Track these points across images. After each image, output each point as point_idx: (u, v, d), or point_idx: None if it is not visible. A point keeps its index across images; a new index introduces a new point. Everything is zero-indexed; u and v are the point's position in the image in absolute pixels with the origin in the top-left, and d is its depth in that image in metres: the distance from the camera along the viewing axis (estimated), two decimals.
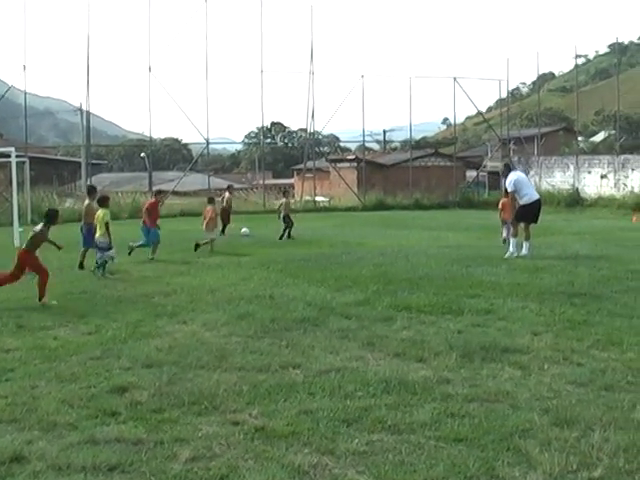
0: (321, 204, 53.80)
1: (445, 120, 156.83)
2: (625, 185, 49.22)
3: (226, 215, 31.07)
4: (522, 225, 21.35)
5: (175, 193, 54.52)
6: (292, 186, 69.92)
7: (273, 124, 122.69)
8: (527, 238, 21.24)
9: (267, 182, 62.57)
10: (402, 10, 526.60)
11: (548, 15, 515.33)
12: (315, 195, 55.08)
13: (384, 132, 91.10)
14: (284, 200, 30.24)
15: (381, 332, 11.32)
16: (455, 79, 58.53)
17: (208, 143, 52.32)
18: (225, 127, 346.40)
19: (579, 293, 14.81)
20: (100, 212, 19.21)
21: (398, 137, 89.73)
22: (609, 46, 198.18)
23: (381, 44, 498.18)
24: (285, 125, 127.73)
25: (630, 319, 12.30)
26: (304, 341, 10.76)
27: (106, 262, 18.68)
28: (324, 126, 62.30)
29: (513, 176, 21.70)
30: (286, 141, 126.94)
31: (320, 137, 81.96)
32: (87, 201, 20.82)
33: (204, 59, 50.41)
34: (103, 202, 19.65)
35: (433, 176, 58.80)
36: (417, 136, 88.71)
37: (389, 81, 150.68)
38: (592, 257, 20.72)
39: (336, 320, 12.22)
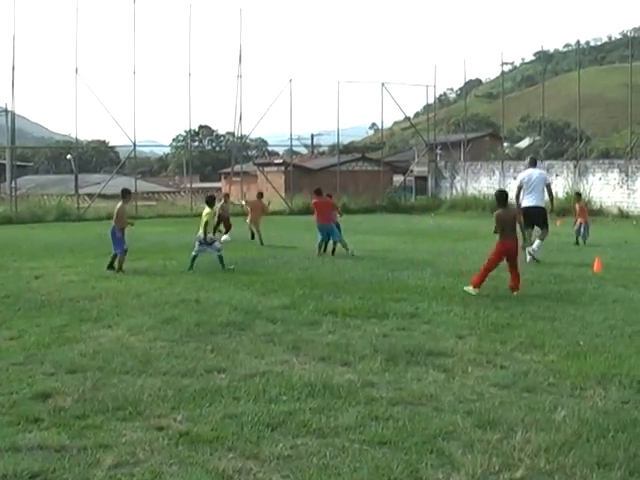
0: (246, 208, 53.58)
1: (373, 125, 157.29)
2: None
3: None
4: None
5: (102, 196, 53.95)
6: (219, 190, 69.65)
7: (201, 127, 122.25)
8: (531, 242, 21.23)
9: (194, 186, 62.41)
10: (331, 14, 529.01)
11: (475, 22, 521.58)
12: (242, 199, 54.92)
13: (312, 136, 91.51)
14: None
15: (306, 336, 11.35)
16: (383, 84, 58.86)
17: (135, 146, 51.90)
18: (153, 130, 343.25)
19: (503, 296, 15.03)
20: (206, 211, 20.42)
21: (326, 141, 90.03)
22: (535, 54, 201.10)
23: (310, 48, 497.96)
24: (213, 128, 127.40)
25: (552, 322, 12.52)
26: (229, 345, 10.74)
27: (221, 255, 19.70)
28: (252, 130, 62.07)
29: (524, 173, 22.13)
30: (214, 144, 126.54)
31: (248, 141, 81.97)
32: (120, 204, 20.45)
33: (132, 61, 49.98)
34: (211, 201, 20.92)
35: (360, 180, 59.11)
36: (345, 140, 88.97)
37: (317, 85, 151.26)
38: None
39: (262, 324, 12.22)
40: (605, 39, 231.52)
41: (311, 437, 7.00)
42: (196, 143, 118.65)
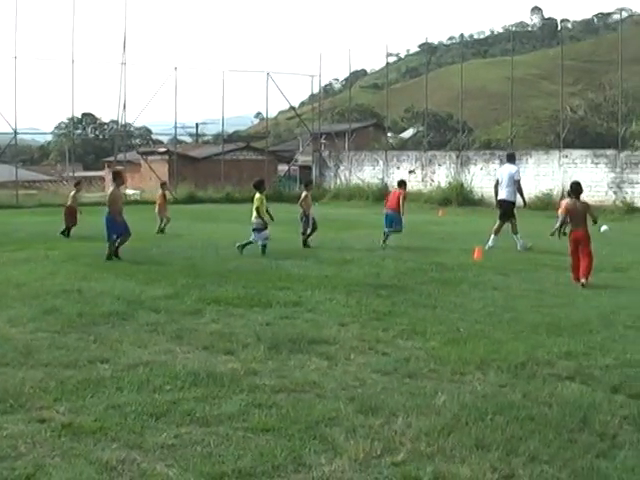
0: (132, 197, 52.99)
1: (258, 114, 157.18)
2: (432, 180, 50.54)
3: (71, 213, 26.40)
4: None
5: None
6: (102, 178, 68.77)
7: (84, 115, 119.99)
8: (495, 232, 22.52)
9: (77, 174, 61.15)
10: (216, 2, 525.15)
11: (360, 13, 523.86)
12: (126, 188, 54.29)
13: (197, 125, 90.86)
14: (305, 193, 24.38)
15: (190, 325, 11.35)
16: (268, 74, 58.73)
17: (16, 133, 50.67)
18: (34, 117, 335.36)
19: (385, 285, 15.25)
20: (257, 196, 21.06)
21: (211, 130, 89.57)
22: (419, 46, 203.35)
23: (195, 37, 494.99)
24: (96, 116, 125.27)
25: (433, 309, 12.79)
26: (112, 335, 10.65)
27: (266, 243, 20.54)
28: (136, 118, 61.46)
29: (500, 168, 24.21)
30: (97, 133, 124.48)
31: (132, 129, 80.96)
32: (112, 188, 19.81)
33: (13, 46, 48.81)
34: (260, 186, 21.46)
35: (245, 170, 58.84)
36: (230, 130, 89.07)
37: (202, 74, 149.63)
38: (398, 249, 21.31)
39: (145, 314, 12.15)
40: (488, 33, 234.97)
41: (195, 426, 7.02)
42: (79, 131, 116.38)
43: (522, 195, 23.55)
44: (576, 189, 17.13)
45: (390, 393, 8.03)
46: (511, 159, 24.30)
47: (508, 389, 8.28)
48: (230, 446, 6.53)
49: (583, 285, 15.59)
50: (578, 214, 16.58)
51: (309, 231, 22.88)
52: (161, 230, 26.95)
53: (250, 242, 20.60)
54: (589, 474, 6.05)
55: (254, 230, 20.70)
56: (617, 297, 14.44)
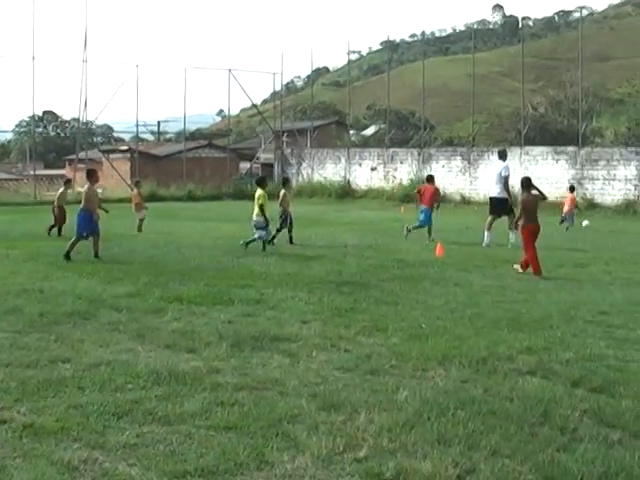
0: None
1: (220, 112, 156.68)
2: (394, 177, 50.78)
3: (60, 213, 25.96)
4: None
5: None
6: (64, 177, 68.26)
7: (45, 113, 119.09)
8: (488, 228, 22.85)
9: (38, 173, 60.87)
10: (178, 0, 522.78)
11: (322, 11, 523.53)
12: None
13: (158, 123, 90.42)
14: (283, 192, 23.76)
15: (152, 324, 11.30)
16: (230, 71, 58.75)
17: None
18: None
19: (347, 282, 15.29)
20: (257, 193, 21.22)
21: (173, 128, 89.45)
22: (381, 43, 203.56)
23: (156, 34, 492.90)
24: (58, 114, 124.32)
25: (395, 306, 12.83)
26: (74, 335, 10.58)
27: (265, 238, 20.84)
28: (97, 116, 61.09)
29: (492, 165, 24.35)
30: (59, 131, 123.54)
31: (93, 127, 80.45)
32: (87, 185, 19.58)
33: None
34: (262, 183, 21.73)
35: (207, 167, 58.73)
36: (192, 127, 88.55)
37: (164, 71, 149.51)
38: (360, 247, 21.41)
39: (106, 313, 12.08)
40: (450, 30, 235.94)
41: (157, 424, 7.00)
42: (40, 129, 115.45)
43: (508, 192, 23.56)
44: (527, 184, 17.61)
45: (352, 390, 8.05)
46: (502, 156, 24.36)
47: (469, 384, 8.33)
48: (192, 444, 6.51)
49: (519, 272, 16.71)
50: (532, 208, 17.18)
51: (289, 228, 22.87)
52: (139, 228, 26.77)
53: (254, 239, 20.75)
54: (550, 467, 6.09)
55: (257, 227, 20.78)
56: (577, 292, 14.59)
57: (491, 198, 23.38)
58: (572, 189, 32.79)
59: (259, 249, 20.49)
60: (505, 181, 23.25)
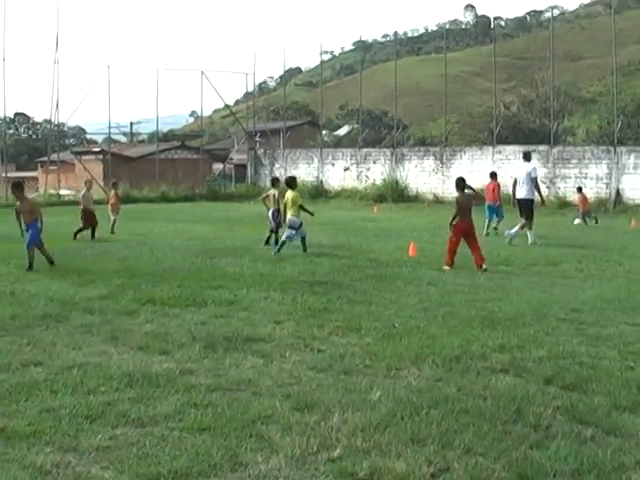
0: (66, 197, 52.40)
1: (193, 113, 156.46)
2: (367, 177, 50.90)
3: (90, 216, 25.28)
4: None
5: None
6: (36, 179, 67.90)
7: (16, 115, 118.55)
8: (529, 228, 23.26)
9: (10, 175, 60.43)
10: (149, 0, 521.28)
11: (295, 11, 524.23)
12: (60, 188, 53.77)
13: (131, 124, 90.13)
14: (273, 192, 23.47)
15: (125, 326, 11.26)
16: (203, 72, 58.75)
17: None
18: None
19: (320, 282, 15.30)
20: (290, 194, 21.01)
21: (145, 129, 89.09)
22: (354, 43, 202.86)
23: (128, 35, 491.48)
24: (29, 116, 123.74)
25: (368, 305, 12.85)
26: (46, 338, 10.51)
27: (292, 239, 20.72)
28: (69, 117, 60.84)
29: (519, 168, 24.72)
30: (30, 132, 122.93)
31: (65, 129, 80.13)
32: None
33: None
34: (293, 184, 21.42)
35: (180, 169, 58.68)
36: (164, 128, 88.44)
37: (136, 73, 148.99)
38: (334, 247, 21.43)
39: (79, 315, 12.03)
40: (422, 30, 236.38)
41: (130, 427, 6.97)
42: (11, 131, 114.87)
43: (540, 192, 24.27)
44: (461, 184, 18.28)
45: (325, 390, 8.05)
46: (527, 157, 24.90)
47: (443, 383, 8.35)
48: (166, 446, 6.49)
49: (485, 270, 16.91)
50: (465, 207, 17.81)
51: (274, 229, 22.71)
52: (112, 230, 26.56)
53: (284, 242, 20.59)
54: (523, 465, 6.11)
55: (290, 227, 20.71)
56: (550, 290, 14.65)
57: (519, 200, 23.64)
58: (580, 190, 34.02)
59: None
60: (535, 182, 23.83)
